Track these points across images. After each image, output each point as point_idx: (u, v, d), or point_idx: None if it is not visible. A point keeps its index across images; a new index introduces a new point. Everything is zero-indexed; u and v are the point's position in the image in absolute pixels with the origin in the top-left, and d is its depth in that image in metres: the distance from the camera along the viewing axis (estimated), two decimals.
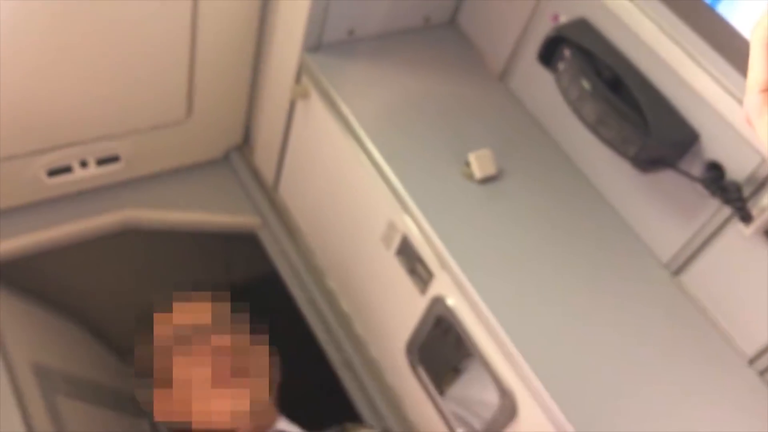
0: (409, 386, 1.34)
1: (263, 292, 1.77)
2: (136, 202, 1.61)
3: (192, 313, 1.14)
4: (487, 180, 1.24)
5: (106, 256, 1.69)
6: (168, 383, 1.10)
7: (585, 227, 1.23)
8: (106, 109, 1.45)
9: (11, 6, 1.17)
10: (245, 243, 1.72)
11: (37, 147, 1.43)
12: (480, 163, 1.24)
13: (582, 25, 1.19)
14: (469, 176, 1.24)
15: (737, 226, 1.05)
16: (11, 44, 1.22)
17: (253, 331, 1.15)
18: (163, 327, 1.13)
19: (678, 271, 1.18)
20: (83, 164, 1.51)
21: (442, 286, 1.18)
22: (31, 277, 1.59)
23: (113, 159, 1.54)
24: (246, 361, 1.12)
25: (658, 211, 1.18)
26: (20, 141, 1.39)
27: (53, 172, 1.49)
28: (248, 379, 1.11)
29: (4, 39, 1.20)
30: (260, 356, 1.14)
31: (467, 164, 1.24)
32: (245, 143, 1.74)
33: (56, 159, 1.47)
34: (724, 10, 1.03)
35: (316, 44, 1.36)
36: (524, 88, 1.38)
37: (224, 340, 1.12)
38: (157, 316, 1.14)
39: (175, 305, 1.15)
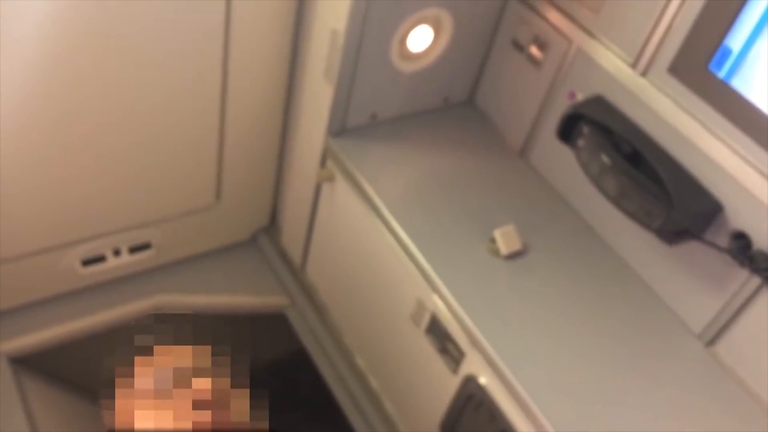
0: None
1: (291, 371, 1.78)
2: (166, 288, 1.64)
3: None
4: (513, 255, 1.25)
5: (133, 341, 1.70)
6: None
7: (614, 300, 1.23)
8: (139, 198, 1.49)
9: (42, 103, 1.22)
10: (272, 322, 1.73)
11: (71, 239, 1.47)
12: (505, 239, 1.25)
13: (599, 102, 1.22)
14: (495, 252, 1.25)
15: None
16: (45, 140, 1.28)
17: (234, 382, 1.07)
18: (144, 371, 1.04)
19: (712, 342, 1.17)
20: (116, 253, 1.55)
21: (473, 365, 1.18)
22: (61, 364, 1.61)
23: (145, 246, 1.58)
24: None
25: (687, 282, 1.18)
26: (55, 233, 1.44)
27: (87, 262, 1.53)
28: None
29: (38, 136, 1.26)
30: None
31: (492, 240, 1.26)
32: (272, 224, 1.78)
33: (90, 249, 1.51)
34: (738, 84, 1.05)
35: (339, 129, 1.41)
36: (544, 163, 1.40)
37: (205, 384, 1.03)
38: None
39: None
